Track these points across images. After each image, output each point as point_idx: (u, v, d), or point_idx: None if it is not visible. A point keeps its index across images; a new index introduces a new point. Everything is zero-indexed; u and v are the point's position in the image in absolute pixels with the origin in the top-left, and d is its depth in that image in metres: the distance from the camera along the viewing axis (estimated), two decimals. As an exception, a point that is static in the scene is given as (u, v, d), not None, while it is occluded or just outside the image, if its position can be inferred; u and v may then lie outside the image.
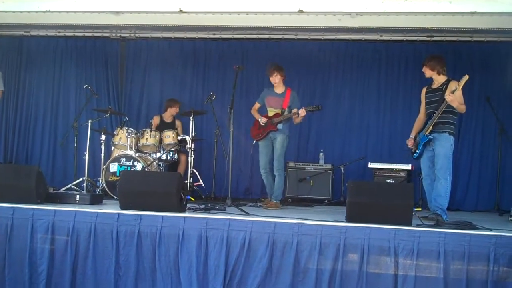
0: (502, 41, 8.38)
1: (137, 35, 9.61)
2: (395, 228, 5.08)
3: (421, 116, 6.64)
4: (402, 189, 5.95)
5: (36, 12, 6.75)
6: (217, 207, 6.29)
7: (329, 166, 8.65)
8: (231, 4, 6.40)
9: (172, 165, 8.58)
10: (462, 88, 6.08)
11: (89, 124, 8.06)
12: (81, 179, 7.90)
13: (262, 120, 7.47)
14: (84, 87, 8.62)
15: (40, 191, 6.12)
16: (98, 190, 7.87)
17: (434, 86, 6.48)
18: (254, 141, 7.63)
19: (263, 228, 5.29)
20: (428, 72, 6.46)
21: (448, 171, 6.15)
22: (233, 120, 7.10)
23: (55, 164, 9.73)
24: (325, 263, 5.11)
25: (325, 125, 9.29)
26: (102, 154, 8.20)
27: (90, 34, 9.61)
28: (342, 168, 8.63)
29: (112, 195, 7.51)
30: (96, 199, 6.57)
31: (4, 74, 9.37)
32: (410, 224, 5.28)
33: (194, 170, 8.29)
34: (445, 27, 7.48)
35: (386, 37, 8.87)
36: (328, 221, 5.42)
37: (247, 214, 5.98)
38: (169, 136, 8.22)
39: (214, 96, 8.44)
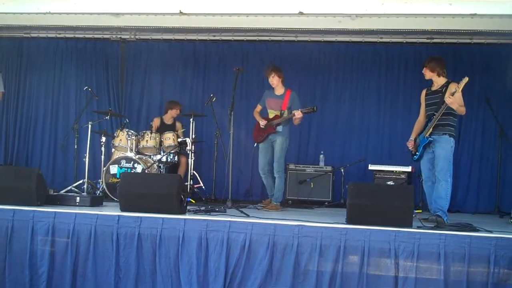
0: (502, 43, 8.39)
1: (137, 36, 9.61)
2: (396, 230, 5.08)
3: (421, 118, 6.64)
4: (403, 191, 5.96)
5: (36, 13, 6.74)
6: (217, 209, 6.30)
7: (329, 168, 8.64)
8: (231, 6, 6.39)
9: (172, 167, 8.58)
10: (462, 90, 6.08)
11: (89, 126, 8.06)
12: (81, 181, 7.91)
13: (262, 123, 7.48)
14: (85, 89, 8.63)
15: (40, 193, 6.12)
16: (98, 192, 7.87)
17: (434, 88, 6.48)
18: (255, 144, 7.63)
19: (263, 230, 5.30)
20: (428, 74, 6.46)
21: (448, 173, 6.15)
22: (233, 122, 7.10)
23: (56, 166, 9.73)
24: (325, 265, 5.12)
25: (325, 127, 9.29)
26: (102, 156, 8.20)
27: (90, 36, 9.61)
28: (342, 170, 8.62)
29: (112, 197, 7.51)
30: (96, 201, 6.58)
31: (4, 75, 9.39)
32: (410, 226, 5.29)
33: (194, 172, 8.29)
34: (445, 29, 7.47)
35: (386, 39, 8.86)
36: (328, 223, 5.43)
37: (248, 216, 5.99)
38: (169, 138, 8.22)
39: (214, 98, 8.45)
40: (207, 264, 5.33)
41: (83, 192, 7.64)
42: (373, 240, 5.07)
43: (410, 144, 6.59)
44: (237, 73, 7.32)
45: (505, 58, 8.46)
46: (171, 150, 8.17)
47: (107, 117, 8.43)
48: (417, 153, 6.48)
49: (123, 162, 7.83)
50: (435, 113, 6.25)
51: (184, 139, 8.27)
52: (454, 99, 6.02)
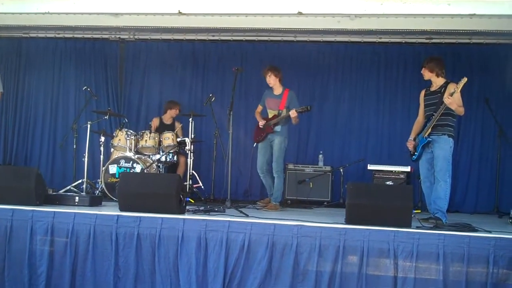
0: (501, 43, 8.40)
1: (136, 36, 9.61)
2: (395, 230, 5.09)
3: (420, 118, 6.65)
4: (402, 191, 5.96)
5: (35, 13, 6.74)
6: (216, 209, 6.29)
7: (328, 168, 8.64)
8: (230, 6, 6.40)
9: (171, 167, 8.57)
10: (461, 90, 6.09)
11: (89, 125, 8.06)
12: (80, 181, 7.90)
13: (261, 123, 7.49)
14: (83, 88, 8.63)
15: (39, 192, 6.12)
16: (98, 191, 7.87)
17: (432, 89, 6.49)
18: (255, 144, 7.64)
19: (262, 230, 5.30)
20: (427, 74, 6.46)
21: (447, 173, 6.15)
22: (233, 121, 7.10)
23: (54, 166, 9.72)
24: (324, 265, 5.12)
25: (325, 127, 9.29)
26: (102, 156, 8.19)
27: (89, 36, 9.60)
28: (341, 170, 8.63)
29: (112, 197, 7.51)
30: (95, 201, 6.58)
31: (3, 75, 9.36)
32: (409, 226, 5.29)
33: (193, 172, 8.29)
34: (444, 29, 7.49)
35: (385, 39, 8.86)
36: (327, 223, 5.43)
37: (247, 216, 5.99)
38: (168, 138, 8.22)
39: (214, 98, 8.45)
40: (206, 264, 5.33)
41: (82, 192, 7.64)
42: (372, 240, 5.07)
43: (409, 144, 6.59)
44: (236, 73, 7.32)
45: (504, 58, 8.47)
46: (170, 150, 8.17)
47: (106, 117, 8.42)
48: (415, 153, 6.49)
49: (122, 162, 7.83)
50: (434, 114, 6.26)
51: (183, 139, 8.27)
52: (453, 99, 6.03)
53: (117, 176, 7.69)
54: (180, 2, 6.40)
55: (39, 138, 9.83)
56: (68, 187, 7.81)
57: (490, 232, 5.21)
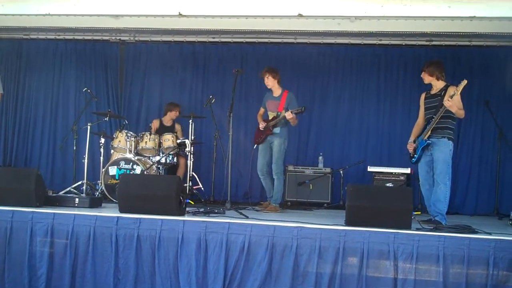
0: (501, 46, 8.39)
1: (136, 38, 9.60)
2: (395, 232, 5.09)
3: (420, 121, 6.65)
4: (402, 193, 5.95)
5: (36, 15, 6.74)
6: (216, 211, 6.29)
7: (328, 170, 8.65)
8: (230, 8, 6.40)
9: (171, 169, 8.58)
10: (461, 93, 6.10)
11: (89, 127, 8.05)
12: (80, 182, 7.90)
13: (261, 126, 7.50)
14: (84, 90, 8.63)
15: (39, 194, 6.12)
16: (97, 193, 7.87)
17: (433, 92, 6.50)
18: (255, 145, 7.64)
19: (262, 231, 5.30)
20: (427, 78, 6.47)
21: (447, 176, 6.16)
22: (232, 123, 7.10)
23: (54, 167, 9.72)
24: (324, 267, 5.12)
25: (325, 129, 9.29)
26: (102, 157, 8.19)
27: (89, 37, 9.60)
28: (341, 171, 8.63)
29: (111, 199, 7.51)
30: (95, 202, 6.59)
31: (3, 77, 9.37)
32: (409, 228, 5.29)
33: (193, 173, 8.28)
34: (444, 32, 7.49)
35: (385, 41, 8.86)
36: (327, 224, 5.44)
37: (247, 217, 5.99)
38: (168, 140, 8.22)
39: (214, 100, 8.45)
40: (206, 265, 5.33)
41: (82, 193, 7.63)
42: (372, 242, 5.07)
43: (410, 146, 6.60)
44: (236, 74, 7.33)
45: (504, 61, 8.47)
46: (170, 152, 8.17)
47: (106, 119, 8.42)
48: (415, 155, 6.49)
49: (122, 164, 7.83)
50: (434, 116, 6.26)
51: (183, 140, 8.27)
52: (453, 102, 6.03)
53: (117, 177, 7.69)
54: (181, 4, 6.40)
55: (39, 139, 9.83)
56: (68, 189, 7.81)
57: (490, 234, 5.20)
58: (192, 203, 7.64)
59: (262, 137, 7.49)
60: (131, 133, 8.13)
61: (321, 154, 8.94)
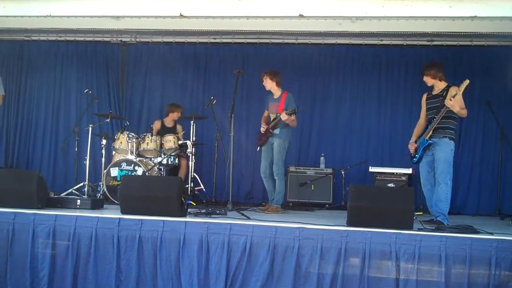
0: (502, 45, 8.38)
1: (138, 39, 9.60)
2: (396, 232, 5.09)
3: (422, 121, 6.66)
4: (403, 193, 5.96)
5: (37, 16, 6.73)
6: (218, 212, 6.29)
7: (330, 171, 8.65)
8: (231, 8, 6.39)
9: (172, 170, 8.58)
10: (463, 93, 6.10)
11: (90, 128, 8.05)
12: (82, 184, 7.89)
13: (262, 129, 7.51)
14: (85, 91, 8.61)
15: (41, 195, 6.13)
16: (99, 194, 7.87)
17: (434, 92, 6.50)
18: (258, 148, 7.63)
19: (264, 232, 5.30)
20: (430, 81, 6.46)
21: (448, 175, 6.16)
22: (234, 124, 7.12)
23: (56, 169, 9.72)
24: (326, 267, 5.12)
25: (326, 130, 9.29)
26: (103, 159, 8.20)
27: (90, 39, 9.59)
28: (343, 172, 8.63)
29: (113, 200, 7.52)
30: (97, 204, 6.60)
31: (5, 78, 9.38)
32: (411, 228, 5.29)
33: (195, 174, 8.27)
34: (446, 32, 7.47)
35: (386, 41, 8.84)
36: (329, 225, 5.44)
37: (248, 218, 5.98)
38: (169, 141, 8.23)
39: (215, 101, 8.43)
40: (208, 266, 5.33)
41: (84, 195, 7.63)
42: (374, 242, 5.08)
43: (411, 147, 6.60)
44: (238, 75, 7.34)
45: (506, 60, 8.47)
46: (172, 153, 8.17)
47: (108, 120, 8.43)
48: (416, 155, 6.49)
49: (124, 165, 7.84)
50: (435, 117, 6.26)
51: (185, 141, 8.26)
52: (455, 101, 6.03)
53: (118, 179, 7.70)
54: (182, 5, 6.40)
55: (40, 141, 9.83)
56: (69, 190, 7.80)
57: (492, 234, 5.20)
58: (194, 204, 7.63)
59: (264, 140, 7.50)
60: (133, 134, 8.13)
61: (322, 154, 8.94)
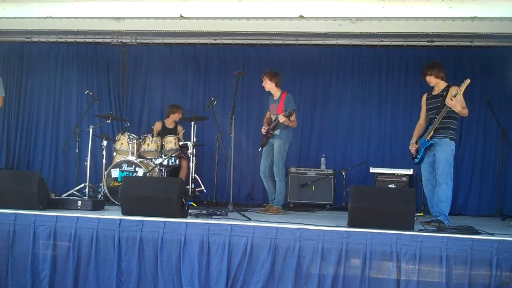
0: (503, 46, 8.38)
1: (138, 40, 9.61)
2: (397, 233, 5.08)
3: (422, 122, 6.66)
4: (404, 194, 5.95)
5: (37, 18, 6.74)
6: (218, 213, 6.29)
7: (330, 171, 8.65)
8: (231, 10, 6.39)
9: (173, 171, 8.59)
10: (463, 93, 6.09)
11: (91, 130, 8.07)
12: (82, 185, 7.91)
13: (263, 130, 7.51)
14: (85, 93, 8.64)
15: (42, 197, 6.12)
16: (100, 196, 7.88)
17: (434, 93, 6.50)
18: (260, 148, 7.63)
19: (265, 233, 5.30)
20: (433, 80, 6.45)
21: (449, 176, 6.16)
22: (234, 125, 7.13)
23: (57, 170, 9.73)
24: (327, 268, 5.12)
25: (327, 131, 9.29)
26: (104, 160, 8.21)
27: (91, 40, 9.60)
28: (343, 173, 8.62)
29: (114, 201, 7.53)
30: (97, 205, 6.59)
31: (5, 80, 9.38)
32: (412, 229, 5.29)
33: (195, 175, 8.28)
34: (446, 32, 7.47)
35: (386, 42, 8.85)
36: (330, 226, 5.43)
37: (249, 219, 5.99)
38: (170, 142, 8.23)
39: (215, 102, 8.45)
40: (209, 267, 5.33)
41: (85, 196, 7.65)
42: (374, 243, 5.07)
43: (412, 147, 6.59)
44: (238, 76, 7.35)
45: (506, 61, 8.45)
46: (173, 154, 8.18)
47: (108, 121, 8.44)
48: (418, 156, 6.49)
49: (125, 166, 7.84)
50: (436, 117, 6.26)
51: (186, 142, 8.27)
52: (456, 101, 6.02)
53: (119, 180, 7.71)
54: (182, 6, 6.40)
55: (41, 142, 9.83)
56: (70, 191, 7.82)
57: (493, 235, 5.20)
58: (195, 205, 7.65)
59: (265, 141, 7.51)
60: (133, 135, 8.14)
61: (323, 155, 8.94)
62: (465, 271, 4.89)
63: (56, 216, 5.64)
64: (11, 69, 9.96)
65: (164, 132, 8.72)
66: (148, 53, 9.80)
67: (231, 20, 6.68)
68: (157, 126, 8.97)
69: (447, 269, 4.91)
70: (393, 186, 8.05)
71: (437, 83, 6.44)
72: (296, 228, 5.27)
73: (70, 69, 9.86)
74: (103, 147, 8.22)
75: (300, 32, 8.14)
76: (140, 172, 7.77)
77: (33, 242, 5.56)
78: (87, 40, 9.61)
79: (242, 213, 6.38)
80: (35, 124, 9.89)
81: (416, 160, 6.55)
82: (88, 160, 7.96)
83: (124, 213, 5.84)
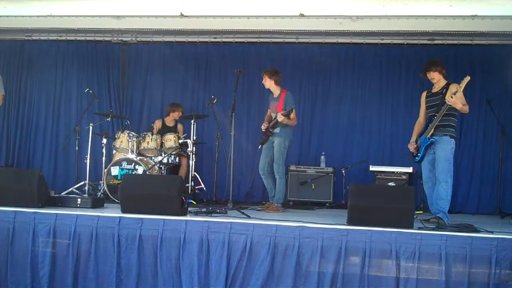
0: (503, 44, 8.38)
1: (138, 39, 9.61)
2: (397, 231, 5.09)
3: (421, 119, 6.65)
4: (404, 192, 5.96)
5: (38, 16, 6.74)
6: (218, 211, 6.29)
7: (330, 169, 8.65)
8: (232, 8, 6.39)
9: (173, 169, 8.59)
10: (463, 91, 6.09)
11: (91, 127, 8.08)
12: (82, 183, 7.92)
13: (262, 127, 7.51)
14: (86, 91, 8.65)
15: (41, 194, 6.13)
16: (100, 193, 7.88)
17: (434, 90, 6.49)
18: (260, 146, 7.63)
19: (264, 231, 5.30)
20: (436, 77, 6.41)
21: (449, 173, 6.15)
22: (234, 123, 7.12)
23: (57, 168, 9.73)
24: (326, 266, 5.12)
25: (326, 129, 9.29)
26: (104, 158, 8.22)
27: (91, 38, 9.62)
28: (343, 171, 8.63)
29: (114, 199, 7.53)
30: (97, 203, 6.60)
31: (5, 78, 9.38)
32: (411, 227, 5.29)
33: (195, 173, 8.29)
34: (446, 31, 7.48)
35: (387, 40, 8.85)
36: (329, 224, 5.44)
37: (249, 217, 5.99)
38: (170, 140, 8.24)
39: (216, 100, 8.45)
40: (209, 265, 5.33)
41: (84, 194, 7.65)
42: (374, 241, 5.07)
43: (411, 146, 6.59)
44: (238, 74, 7.34)
45: (506, 59, 8.44)
46: (172, 152, 8.18)
47: (108, 119, 8.46)
48: (418, 154, 6.49)
49: (124, 164, 7.85)
50: (435, 115, 6.25)
51: (185, 140, 8.27)
52: (456, 98, 6.01)
53: (119, 178, 7.72)
54: (182, 5, 6.40)
55: (41, 140, 9.84)
56: (70, 189, 7.83)
57: (492, 232, 5.20)
58: (194, 203, 7.65)
59: (265, 139, 7.50)
60: (133, 133, 8.15)
61: (323, 153, 8.94)
62: (465, 269, 4.89)
63: (56, 213, 5.64)
64: (11, 67, 9.96)
65: (164, 130, 8.72)
66: (148, 51, 9.79)
67: (231, 18, 6.67)
68: (157, 124, 8.97)
69: (446, 267, 4.91)
70: (392, 184, 8.04)
71: (438, 80, 6.43)
72: (296, 226, 5.28)
73: (70, 67, 9.86)
74: (103, 145, 8.23)
75: (300, 30, 8.15)
76: (140, 170, 7.77)
77: (33, 240, 5.57)
78: (87, 38, 9.62)
79: (242, 211, 6.37)
80: (35, 122, 9.89)
81: (416, 158, 6.54)
82: (88, 158, 7.97)
83: (123, 211, 5.85)
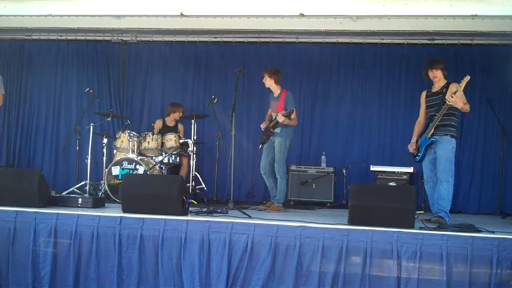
0: (503, 44, 8.37)
1: (138, 38, 9.61)
2: (398, 231, 5.09)
3: (421, 119, 6.66)
4: (404, 192, 5.95)
5: (38, 16, 6.73)
6: (219, 210, 6.29)
7: (331, 169, 8.65)
8: (232, 8, 6.39)
9: (174, 168, 8.59)
10: (464, 91, 6.09)
11: (91, 127, 8.08)
12: (83, 183, 7.92)
13: (262, 126, 7.50)
14: (86, 90, 8.65)
15: (42, 194, 6.13)
16: (101, 193, 7.88)
17: (434, 90, 6.49)
18: (260, 145, 7.63)
19: (265, 231, 5.30)
20: (439, 75, 6.42)
21: (450, 173, 6.16)
22: (235, 123, 7.12)
23: (57, 168, 9.73)
24: (327, 266, 5.12)
25: (327, 128, 9.29)
26: (104, 158, 8.22)
27: (91, 38, 9.62)
28: (344, 171, 8.63)
29: (115, 199, 7.53)
30: (98, 203, 6.60)
31: (5, 78, 9.36)
32: (412, 227, 5.29)
33: (196, 173, 8.30)
34: (446, 30, 7.48)
35: (387, 40, 8.84)
36: (330, 224, 5.44)
37: (250, 217, 5.99)
38: (171, 140, 8.23)
39: (216, 99, 8.45)
40: (210, 265, 5.34)
41: (85, 194, 7.64)
42: (375, 241, 5.08)
43: (411, 147, 6.59)
44: (238, 74, 7.35)
45: (506, 59, 8.43)
46: (173, 151, 8.18)
47: (109, 119, 8.45)
48: (419, 154, 6.49)
49: (125, 164, 7.85)
50: (436, 114, 6.25)
51: (186, 140, 8.27)
52: (457, 98, 6.02)
53: (120, 177, 7.72)
54: (182, 4, 6.39)
55: (42, 140, 9.83)
56: (71, 189, 7.82)
57: (493, 232, 5.20)
58: (195, 202, 7.66)
59: (266, 138, 7.51)
60: (134, 133, 8.14)
61: (323, 153, 8.94)
62: (466, 269, 4.90)
63: (57, 213, 5.65)
64: (11, 67, 9.95)
65: (165, 130, 8.72)
66: (148, 51, 9.79)
67: (231, 18, 6.67)
68: (158, 124, 8.96)
69: (447, 267, 4.92)
70: (393, 184, 8.05)
71: (439, 79, 6.43)
72: (297, 226, 5.28)
73: (70, 67, 9.85)
74: (104, 144, 8.22)
75: (300, 30, 8.14)
76: (141, 169, 7.77)
77: (34, 240, 5.57)
78: (87, 38, 9.62)
79: (243, 210, 6.37)
80: (35, 121, 9.88)
81: (417, 158, 6.55)
82: (89, 158, 7.97)
83: (124, 211, 5.85)
